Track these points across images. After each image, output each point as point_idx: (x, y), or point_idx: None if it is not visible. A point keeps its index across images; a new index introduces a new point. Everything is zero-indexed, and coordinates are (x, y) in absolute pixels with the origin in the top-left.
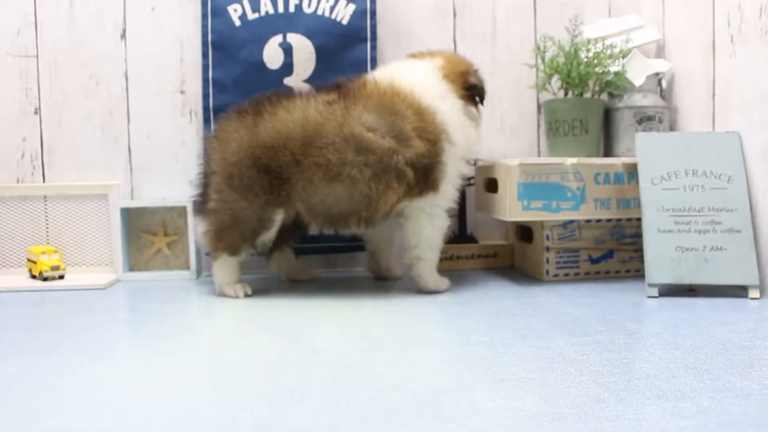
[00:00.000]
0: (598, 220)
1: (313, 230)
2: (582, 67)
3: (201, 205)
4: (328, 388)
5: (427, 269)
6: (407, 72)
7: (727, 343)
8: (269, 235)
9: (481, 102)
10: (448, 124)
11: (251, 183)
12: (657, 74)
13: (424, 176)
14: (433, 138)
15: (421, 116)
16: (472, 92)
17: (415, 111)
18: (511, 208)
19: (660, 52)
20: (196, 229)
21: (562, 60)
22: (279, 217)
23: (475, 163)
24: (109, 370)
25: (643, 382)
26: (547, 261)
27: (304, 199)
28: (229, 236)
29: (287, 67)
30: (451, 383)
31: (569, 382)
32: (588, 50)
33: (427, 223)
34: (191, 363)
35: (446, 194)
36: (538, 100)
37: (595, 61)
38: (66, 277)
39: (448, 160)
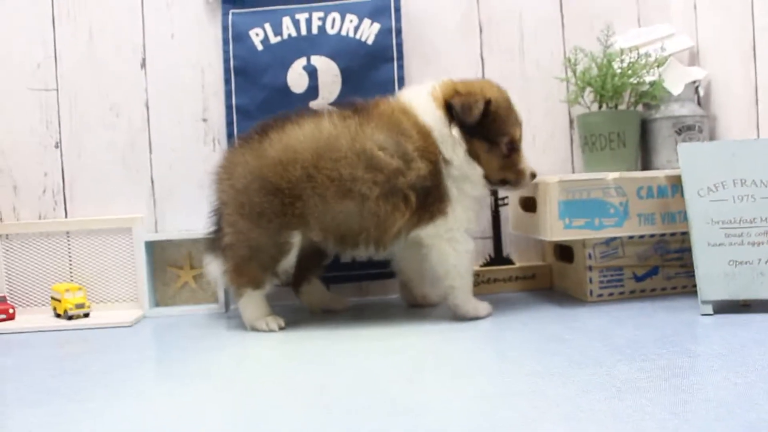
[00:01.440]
0: (642, 236)
1: (341, 258)
2: (617, 78)
3: (213, 243)
4: (376, 426)
5: (462, 296)
6: (408, 92)
7: None
8: (289, 261)
9: (461, 126)
10: (440, 142)
11: (263, 208)
12: (693, 82)
13: (426, 199)
14: (433, 158)
15: (422, 135)
16: (450, 112)
17: (419, 130)
18: (552, 227)
19: (693, 59)
20: (207, 268)
21: (594, 72)
22: (296, 240)
23: None
24: (139, 414)
25: (723, 411)
26: (590, 281)
27: (316, 216)
28: (249, 269)
29: (312, 91)
30: (511, 418)
31: (642, 413)
32: (622, 60)
33: (450, 250)
34: (224, 403)
35: (458, 218)
36: (569, 114)
37: (630, 71)
38: (91, 314)
39: (448, 181)
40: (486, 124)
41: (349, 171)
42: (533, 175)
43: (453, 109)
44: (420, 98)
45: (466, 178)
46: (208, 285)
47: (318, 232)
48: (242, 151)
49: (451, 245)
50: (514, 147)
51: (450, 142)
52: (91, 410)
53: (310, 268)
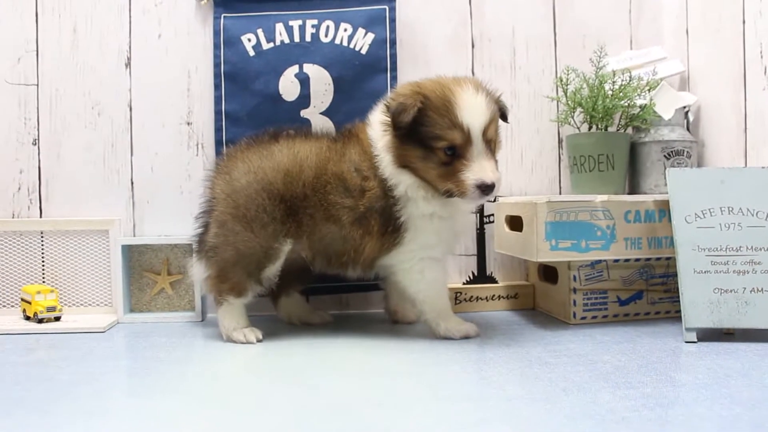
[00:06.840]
0: (627, 260)
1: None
2: (608, 99)
3: (200, 245)
4: None
5: (434, 319)
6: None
7: None
8: (274, 269)
9: (396, 131)
10: (377, 156)
11: (259, 211)
12: (684, 107)
13: (387, 226)
14: (380, 174)
15: (369, 151)
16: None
17: (367, 145)
18: (538, 248)
19: (683, 84)
20: (192, 270)
21: (585, 92)
22: (286, 248)
23: (495, 200)
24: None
25: None
26: (574, 303)
27: (308, 233)
28: (233, 274)
29: (304, 99)
30: None
31: None
32: (613, 82)
33: (411, 280)
34: (199, 421)
35: (418, 244)
36: (559, 134)
37: (621, 93)
38: (63, 318)
39: (398, 204)
40: (418, 127)
41: (331, 196)
42: (484, 188)
43: (389, 113)
44: (375, 110)
45: (405, 195)
46: (185, 292)
47: (308, 250)
48: (245, 151)
49: (414, 275)
50: (456, 154)
51: (383, 154)
52: (54, 425)
53: (292, 281)
